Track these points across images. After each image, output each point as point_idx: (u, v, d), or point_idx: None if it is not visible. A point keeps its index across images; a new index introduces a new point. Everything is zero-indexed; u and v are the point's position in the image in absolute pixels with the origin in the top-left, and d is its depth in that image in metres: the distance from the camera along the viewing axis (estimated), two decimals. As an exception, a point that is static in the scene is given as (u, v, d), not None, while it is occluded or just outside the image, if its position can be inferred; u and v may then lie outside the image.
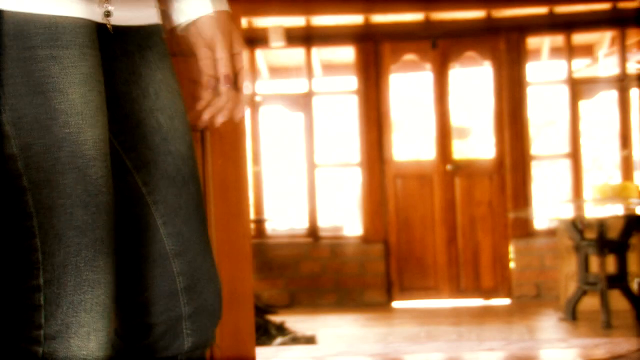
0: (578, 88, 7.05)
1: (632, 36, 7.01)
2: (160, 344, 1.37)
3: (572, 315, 5.65)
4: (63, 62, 1.18)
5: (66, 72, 1.18)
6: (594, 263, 5.60)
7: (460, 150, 7.83)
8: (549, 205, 8.02)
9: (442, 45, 7.08)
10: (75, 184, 1.17)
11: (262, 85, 7.38)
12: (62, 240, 1.16)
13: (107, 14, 1.28)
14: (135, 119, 1.34)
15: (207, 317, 1.38)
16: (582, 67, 7.58)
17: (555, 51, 7.23)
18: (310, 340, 5.19)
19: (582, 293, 5.66)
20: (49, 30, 1.18)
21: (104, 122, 1.23)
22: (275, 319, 5.78)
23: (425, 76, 7.33)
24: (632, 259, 5.75)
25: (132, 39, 1.34)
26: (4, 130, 1.15)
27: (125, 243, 1.35)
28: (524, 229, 6.94)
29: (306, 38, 7.09)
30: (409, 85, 8.28)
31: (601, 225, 5.48)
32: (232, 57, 1.39)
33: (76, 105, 1.18)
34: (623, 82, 7.00)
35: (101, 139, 1.21)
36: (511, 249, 6.96)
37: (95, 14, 1.25)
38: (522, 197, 6.97)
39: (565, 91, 7.09)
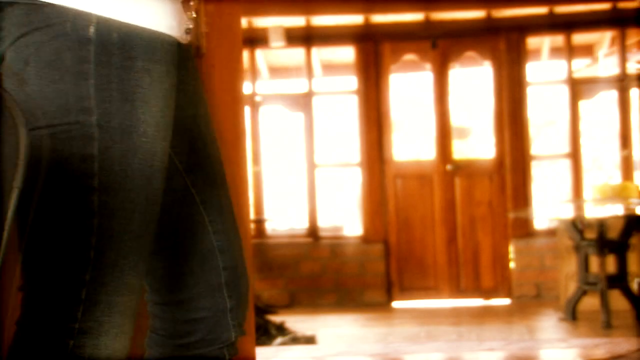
0: (578, 88, 7.05)
1: (632, 36, 7.01)
2: (210, 338, 1.45)
3: (572, 315, 5.65)
4: (153, 76, 1.26)
5: (153, 86, 1.26)
6: (594, 263, 5.60)
7: (460, 150, 7.83)
8: (549, 205, 8.02)
9: (442, 45, 7.09)
10: (140, 190, 1.24)
11: (262, 85, 7.38)
12: (116, 242, 1.23)
13: (188, 32, 1.38)
14: (184, 125, 1.43)
15: (244, 309, 1.49)
16: (582, 67, 7.58)
17: (555, 51, 7.23)
18: (310, 340, 5.20)
19: (582, 293, 5.66)
20: (149, 44, 1.26)
21: (170, 137, 1.31)
22: (275, 319, 5.78)
23: (425, 76, 7.33)
24: (632, 259, 5.75)
25: (178, 51, 1.42)
26: (90, 131, 1.21)
27: (179, 240, 1.45)
28: (524, 229, 6.94)
29: (306, 38, 7.09)
30: (409, 85, 8.28)
31: (601, 225, 5.48)
32: None
33: (156, 117, 1.26)
34: (623, 82, 7.00)
35: (166, 152, 1.29)
36: (511, 249, 6.96)
37: (180, 33, 1.34)
38: (522, 197, 6.97)
39: (565, 91, 7.09)
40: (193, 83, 1.45)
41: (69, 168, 1.19)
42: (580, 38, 7.18)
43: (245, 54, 6.92)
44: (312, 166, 7.16)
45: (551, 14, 6.95)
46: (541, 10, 6.93)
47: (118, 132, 1.22)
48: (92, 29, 1.21)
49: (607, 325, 5.32)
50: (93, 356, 1.21)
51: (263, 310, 6.00)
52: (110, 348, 1.23)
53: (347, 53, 7.27)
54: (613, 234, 5.53)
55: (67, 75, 1.20)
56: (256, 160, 7.15)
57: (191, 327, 1.44)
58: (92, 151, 1.21)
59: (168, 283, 1.45)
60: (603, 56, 7.40)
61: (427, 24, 7.07)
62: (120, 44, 1.23)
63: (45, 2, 1.20)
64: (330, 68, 7.57)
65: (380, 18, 7.04)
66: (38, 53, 1.20)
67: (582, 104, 7.15)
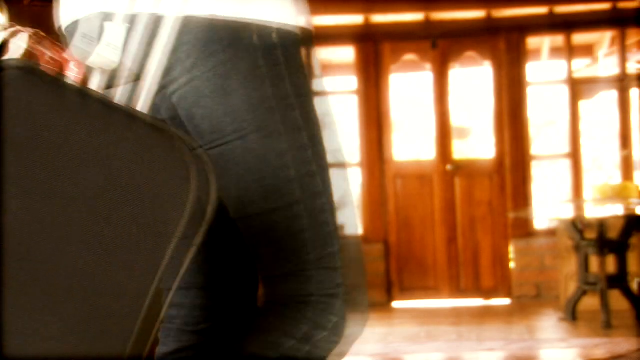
0: (578, 88, 7.05)
1: (632, 36, 7.01)
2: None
3: (572, 315, 5.65)
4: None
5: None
6: (594, 263, 5.60)
7: (460, 150, 7.84)
8: (549, 205, 8.03)
9: (442, 45, 7.09)
10: (334, 168, 1.42)
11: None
12: (336, 215, 1.40)
13: None
14: None
15: None
16: (582, 67, 7.58)
17: (555, 51, 7.23)
18: (310, 340, 5.18)
19: (582, 293, 5.66)
20: (303, 44, 1.43)
21: None
22: (275, 319, 5.77)
23: (425, 76, 7.33)
24: (632, 259, 5.75)
25: None
26: (299, 123, 1.35)
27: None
28: (524, 229, 6.94)
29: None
30: (409, 85, 8.28)
31: (601, 225, 5.48)
32: None
33: None
34: (623, 82, 7.00)
35: None
36: (511, 249, 6.97)
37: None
38: (522, 197, 6.97)
39: (565, 91, 7.09)
40: None
41: (289, 158, 1.34)
42: (580, 38, 7.18)
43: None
44: (312, 166, 7.15)
45: (551, 14, 6.95)
46: (541, 10, 6.94)
47: (315, 121, 1.38)
48: (274, 35, 1.35)
49: (607, 325, 5.32)
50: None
51: (263, 310, 5.99)
52: (361, 304, 1.48)
53: (347, 53, 7.27)
54: (613, 234, 5.53)
55: (268, 80, 1.33)
56: (256, 160, 7.14)
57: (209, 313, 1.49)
58: (304, 140, 1.35)
59: (192, 268, 1.49)
60: (603, 56, 7.40)
61: (427, 24, 7.07)
62: (295, 45, 1.39)
63: (229, 18, 1.31)
64: (330, 68, 7.57)
65: (380, 18, 7.04)
66: (236, 67, 1.30)
67: (582, 104, 7.15)
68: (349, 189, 1.50)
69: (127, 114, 1.01)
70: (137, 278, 0.98)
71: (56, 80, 1.01)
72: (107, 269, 0.97)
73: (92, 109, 0.99)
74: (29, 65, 1.00)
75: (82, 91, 1.02)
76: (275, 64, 1.34)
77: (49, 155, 0.95)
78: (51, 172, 0.95)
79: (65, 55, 1.07)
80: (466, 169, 7.10)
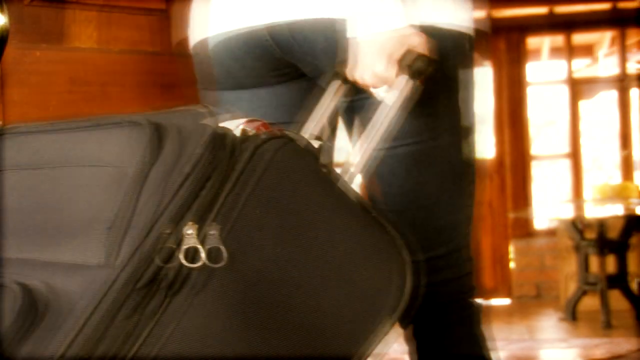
0: (578, 88, 7.05)
1: (632, 36, 7.01)
2: None
3: (572, 315, 5.65)
4: None
5: None
6: (594, 263, 5.60)
7: (460, 150, 7.83)
8: (549, 205, 8.02)
9: (442, 45, 7.08)
10: None
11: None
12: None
13: None
14: None
15: None
16: (582, 67, 7.58)
17: (555, 51, 7.23)
18: (310, 340, 5.18)
19: (582, 293, 5.66)
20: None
21: None
22: (275, 319, 5.78)
23: (425, 76, 7.32)
24: (632, 259, 5.74)
25: None
26: (474, 119, 1.49)
27: None
28: (524, 229, 6.94)
29: (306, 38, 7.09)
30: (409, 85, 8.26)
31: (601, 225, 5.48)
32: None
33: None
34: (623, 82, 7.00)
35: None
36: (511, 249, 6.96)
37: None
38: (522, 197, 6.97)
39: (565, 91, 7.09)
40: None
41: (472, 149, 1.50)
42: (580, 38, 7.18)
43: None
44: (312, 166, 7.15)
45: (551, 14, 6.95)
46: (541, 10, 6.93)
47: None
48: (468, 42, 1.44)
49: (607, 325, 5.32)
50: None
51: (263, 310, 5.99)
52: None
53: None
54: (613, 234, 5.53)
55: (460, 84, 1.44)
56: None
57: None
58: (475, 134, 1.49)
59: None
60: (603, 56, 7.40)
61: (427, 24, 7.06)
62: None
63: (444, 27, 1.39)
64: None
65: (380, 18, 7.02)
66: (443, 73, 1.38)
67: (582, 104, 7.15)
68: None
69: (360, 204, 1.12)
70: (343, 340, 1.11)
71: (312, 153, 1.13)
72: (322, 329, 1.09)
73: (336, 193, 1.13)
74: (298, 138, 1.12)
75: (328, 170, 1.14)
76: (468, 67, 1.45)
77: (291, 214, 1.08)
78: (294, 227, 1.07)
79: None
80: (466, 169, 7.10)
